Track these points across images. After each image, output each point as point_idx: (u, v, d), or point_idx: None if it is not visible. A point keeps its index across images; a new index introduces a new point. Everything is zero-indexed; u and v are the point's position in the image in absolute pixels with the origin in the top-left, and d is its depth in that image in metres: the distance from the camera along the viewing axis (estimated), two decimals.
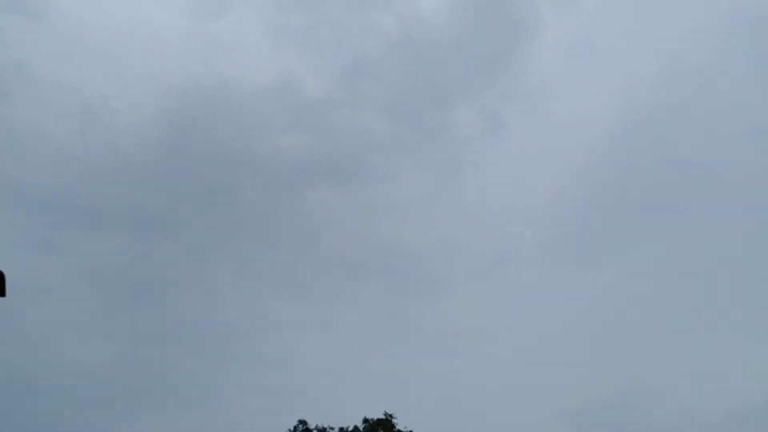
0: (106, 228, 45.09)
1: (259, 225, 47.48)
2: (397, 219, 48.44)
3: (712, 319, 40.97)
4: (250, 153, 47.51)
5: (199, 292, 44.27)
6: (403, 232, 46.96)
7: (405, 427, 28.09)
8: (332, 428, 28.48)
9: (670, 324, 40.24)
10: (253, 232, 47.14)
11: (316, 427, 28.61)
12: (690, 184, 44.71)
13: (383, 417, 28.23)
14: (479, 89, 50.90)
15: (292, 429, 28.63)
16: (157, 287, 44.32)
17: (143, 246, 44.49)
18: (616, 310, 42.41)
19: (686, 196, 43.49)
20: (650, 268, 43.51)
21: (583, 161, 47.64)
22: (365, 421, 29.21)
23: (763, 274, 39.79)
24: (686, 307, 40.51)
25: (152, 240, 45.14)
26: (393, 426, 28.15)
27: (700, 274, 42.01)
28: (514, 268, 46.31)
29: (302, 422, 29.04)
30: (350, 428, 28.48)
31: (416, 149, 50.22)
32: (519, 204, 48.29)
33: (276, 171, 48.04)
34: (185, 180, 46.83)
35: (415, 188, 49.35)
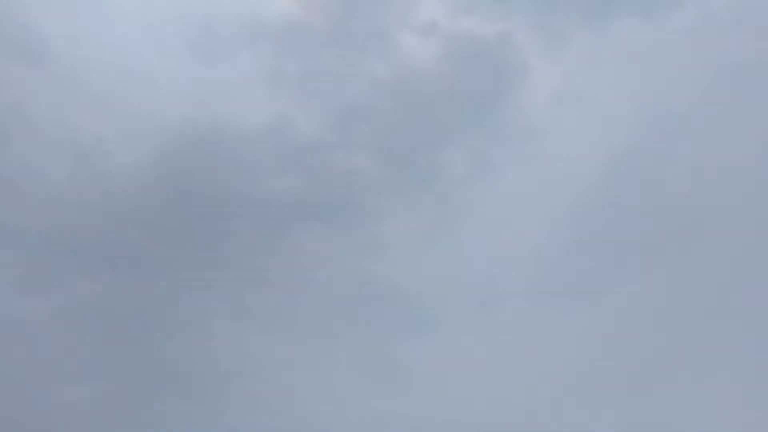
0: (94, 267, 45.39)
1: (251, 264, 47.92)
2: (388, 259, 49.05)
3: (707, 361, 41.31)
4: (244, 194, 48.27)
5: (189, 331, 44.37)
6: (394, 272, 47.50)
7: None
8: None
9: (664, 366, 40.43)
10: (244, 271, 47.55)
11: None
12: (678, 226, 45.48)
13: None
14: (468, 132, 52.24)
15: None
16: (145, 327, 44.38)
17: (132, 285, 44.73)
18: (605, 350, 42.74)
19: (675, 238, 44.19)
20: (638, 309, 44.07)
21: (571, 203, 48.62)
22: None
23: (751, 318, 40.29)
24: (680, 349, 40.77)
25: (141, 279, 45.40)
26: None
27: (688, 318, 42.47)
28: (503, 309, 46.73)
29: None
30: None
31: (407, 190, 51.23)
32: (508, 245, 48.96)
33: (268, 211, 48.77)
34: (177, 220, 47.41)
35: (406, 228, 50.12)
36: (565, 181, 51.43)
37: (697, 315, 41.26)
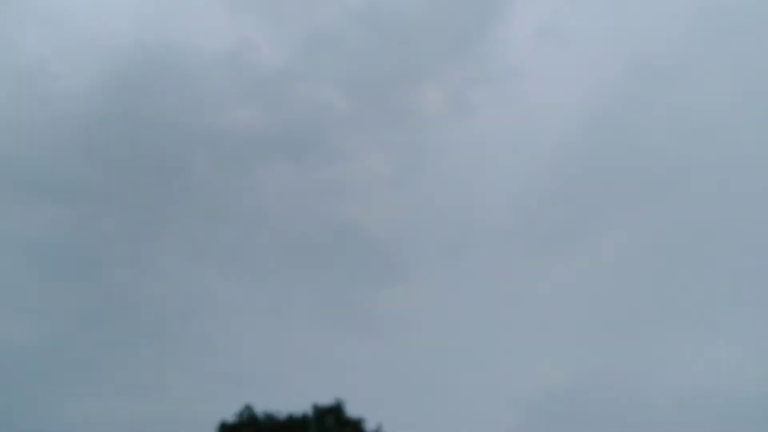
0: (41, 199, 42.08)
1: (208, 201, 45.11)
2: (355, 200, 46.74)
3: (673, 309, 40.81)
4: (201, 125, 45.00)
5: (142, 269, 41.77)
6: (360, 215, 45.24)
7: (355, 415, 26.72)
8: (279, 415, 26.88)
9: (631, 313, 39.87)
10: (201, 209, 44.76)
11: (264, 413, 26.98)
12: (656, 174, 44.37)
13: (333, 404, 26.75)
14: (446, 70, 49.41)
15: (238, 414, 26.93)
16: (96, 263, 41.61)
17: (82, 219, 41.66)
18: (577, 299, 41.75)
19: (653, 186, 43.14)
20: (613, 258, 43.00)
21: (551, 148, 46.77)
22: (315, 407, 27.61)
23: (724, 267, 39.69)
24: (648, 297, 40.21)
25: (92, 213, 42.34)
26: (343, 413, 26.70)
27: (662, 266, 41.73)
28: (475, 255, 45.12)
29: (248, 408, 27.33)
30: (299, 415, 26.89)
31: (377, 128, 48.51)
32: (483, 190, 47.21)
33: (228, 145, 45.64)
34: (128, 151, 44.06)
35: (374, 169, 47.66)
36: (545, 126, 49.60)
37: (672, 268, 40.53)
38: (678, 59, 48.39)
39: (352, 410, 26.75)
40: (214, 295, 39.48)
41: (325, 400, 26.91)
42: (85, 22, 44.67)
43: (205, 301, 40.02)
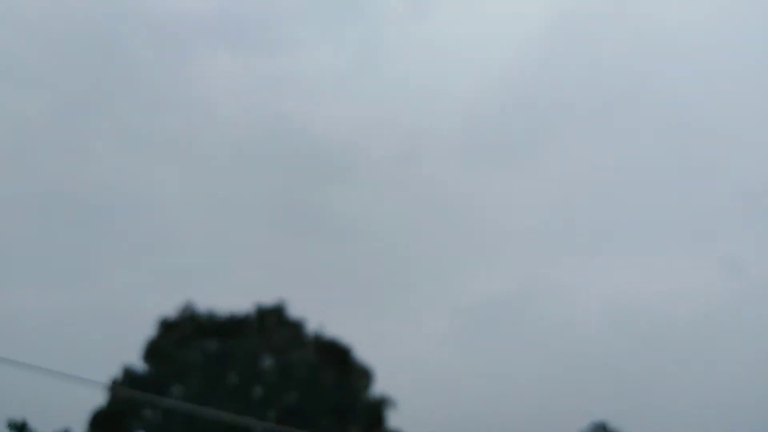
0: None
1: (146, 87, 42.26)
2: (303, 96, 44.67)
3: (614, 225, 41.51)
4: (139, 5, 41.42)
5: (72, 154, 39.24)
6: (309, 112, 43.35)
7: (297, 315, 26.47)
8: (220, 313, 26.35)
9: (574, 227, 40.36)
10: (138, 94, 41.97)
11: (205, 311, 26.41)
12: (616, 90, 43.92)
13: (275, 304, 26.34)
14: None
15: (178, 311, 26.26)
16: (19, 146, 38.80)
17: (6, 99, 38.42)
18: (523, 211, 41.91)
19: (612, 102, 42.74)
20: (561, 172, 43.00)
21: (510, 58, 45.37)
22: (257, 307, 27.19)
23: (671, 185, 40.33)
24: (591, 212, 40.65)
25: (17, 92, 39.09)
26: (285, 314, 26.40)
27: (609, 183, 42.08)
28: (426, 162, 44.31)
29: (189, 305, 26.67)
30: (241, 314, 26.44)
31: (329, 21, 45.79)
32: (438, 97, 45.85)
33: (169, 28, 42.34)
34: (56, 25, 40.36)
35: (324, 64, 45.35)
36: (505, 35, 47.95)
37: (623, 180, 41.01)
38: None
39: (294, 311, 26.39)
40: (153, 187, 37.60)
41: (267, 300, 26.41)
42: None
43: (143, 193, 38.13)
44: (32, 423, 20.30)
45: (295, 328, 26.04)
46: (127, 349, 22.90)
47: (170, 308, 25.37)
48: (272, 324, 26.32)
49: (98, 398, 20.94)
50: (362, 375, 23.89)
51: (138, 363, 23.07)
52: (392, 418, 23.53)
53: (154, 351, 23.29)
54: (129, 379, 21.01)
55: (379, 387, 23.83)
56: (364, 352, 24.57)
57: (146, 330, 23.29)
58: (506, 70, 44.97)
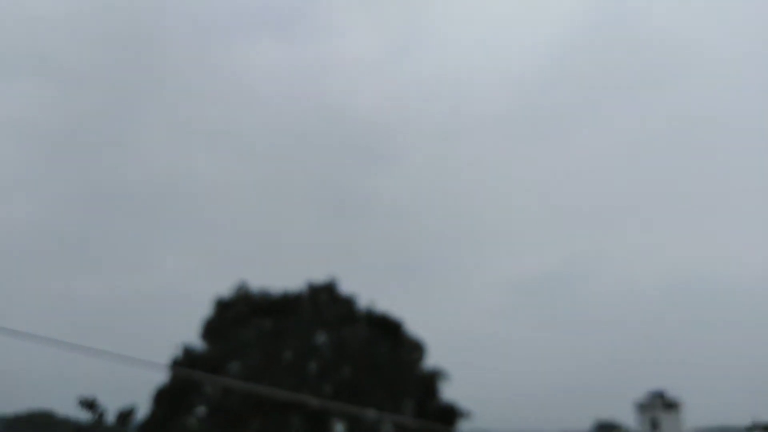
0: (20, 75, 40.02)
1: (193, 78, 43.08)
2: (345, 80, 44.81)
3: (664, 196, 40.56)
4: None
5: (126, 148, 40.51)
6: (350, 95, 43.48)
7: (348, 292, 26.74)
8: (274, 292, 26.84)
9: (623, 199, 39.61)
10: (186, 86, 42.80)
11: (259, 290, 26.92)
12: (661, 58, 42.58)
13: (327, 282, 26.67)
14: None
15: (233, 291, 26.85)
16: (80, 142, 40.26)
17: (61, 95, 39.79)
18: (571, 184, 41.30)
19: (656, 75, 41.53)
20: (608, 143, 42.14)
21: (554, 31, 44.39)
22: (309, 285, 27.56)
23: (721, 155, 39.09)
24: (641, 184, 39.75)
25: (71, 89, 40.43)
26: (336, 291, 26.70)
27: (659, 152, 41.03)
28: (468, 140, 44.04)
29: (243, 285, 27.25)
30: (293, 292, 26.87)
31: (370, 4, 45.57)
32: (479, 73, 45.34)
33: (210, 19, 42.91)
34: (107, 26, 41.45)
35: (366, 47, 45.24)
36: (549, 9, 46.95)
37: (671, 150, 39.89)
38: None
39: (345, 288, 26.74)
40: (202, 176, 38.51)
41: (319, 278, 26.82)
42: None
43: (194, 181, 39.10)
44: (101, 400, 21.25)
45: (347, 304, 26.44)
46: (186, 329, 23.71)
47: (225, 289, 26.09)
48: (324, 301, 26.79)
49: (161, 376, 21.74)
50: (414, 348, 24.09)
51: (197, 342, 23.83)
52: (445, 390, 23.71)
53: (211, 330, 23.99)
54: (188, 357, 21.69)
55: (432, 360, 24.00)
56: (416, 326, 24.78)
57: (203, 311, 24.03)
58: (550, 45, 44.08)
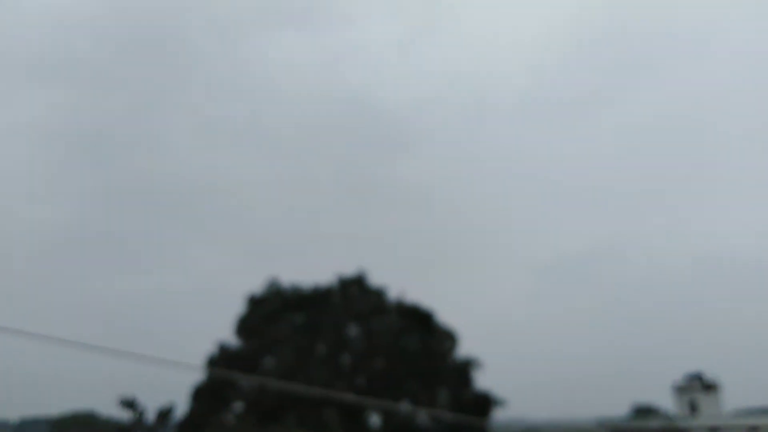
0: (46, 80, 40.71)
1: (214, 75, 43.40)
2: (366, 68, 44.71)
3: (688, 176, 39.93)
4: None
5: (153, 148, 41.02)
6: (372, 83, 43.39)
7: (378, 284, 26.82)
8: (304, 287, 27.02)
9: (646, 180, 39.02)
10: (208, 83, 43.16)
11: (290, 285, 27.13)
12: (677, 39, 41.70)
13: (356, 274, 26.76)
14: None
15: (264, 287, 27.10)
16: (107, 144, 40.90)
17: (84, 100, 40.39)
18: (595, 166, 40.76)
19: (674, 51, 40.68)
20: (631, 125, 41.50)
21: (574, 13, 43.68)
22: (339, 278, 27.69)
23: (742, 135, 38.29)
24: (663, 164, 39.13)
25: (93, 93, 41.02)
26: (366, 282, 26.78)
27: (681, 134, 40.29)
28: (491, 123, 43.71)
29: (274, 280, 27.48)
30: (324, 286, 27.02)
31: None
32: (499, 55, 44.85)
33: (232, 16, 43.10)
34: (126, 27, 41.93)
35: (385, 35, 45.08)
36: None
37: (689, 135, 39.10)
38: None
39: (374, 279, 26.83)
40: (230, 172, 38.87)
41: (349, 270, 26.93)
42: None
43: (219, 178, 39.51)
44: (141, 400, 21.71)
45: (377, 295, 26.53)
46: (221, 325, 24.02)
47: (257, 285, 26.36)
48: (355, 293, 26.92)
49: (198, 375, 22.10)
50: (446, 337, 24.09)
51: (231, 339, 24.14)
52: (479, 379, 23.67)
53: (245, 327, 24.28)
54: (224, 354, 21.97)
55: (465, 349, 23.98)
56: (447, 315, 24.74)
57: (237, 307, 24.32)
58: (570, 28, 43.38)
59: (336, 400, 22.74)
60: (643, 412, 41.72)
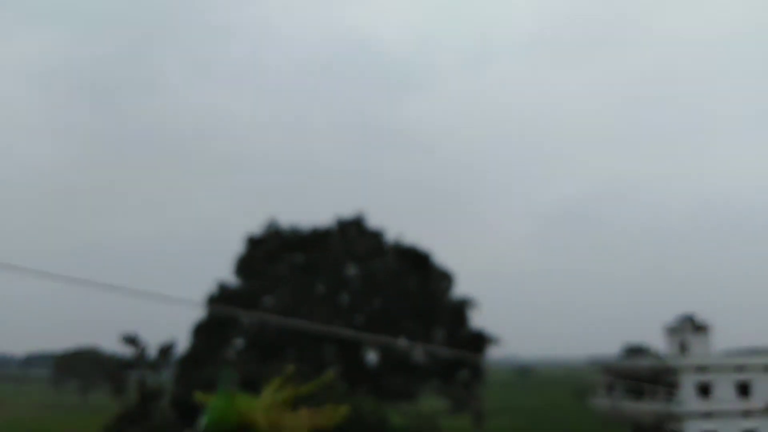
0: (39, 21, 39.91)
1: (212, 15, 42.50)
2: (369, 7, 43.77)
3: (686, 121, 39.68)
4: None
5: (150, 90, 40.58)
6: (374, 23, 42.59)
7: (376, 225, 27.01)
8: (303, 228, 27.20)
9: (647, 125, 38.82)
10: (203, 25, 42.31)
11: (289, 227, 27.30)
12: None
13: (355, 216, 26.93)
14: None
15: (264, 228, 27.24)
16: (103, 86, 40.42)
17: (79, 39, 39.70)
18: (599, 110, 40.47)
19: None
20: (634, 72, 40.93)
21: None
22: (337, 220, 27.86)
23: (746, 87, 37.82)
24: (666, 111, 38.86)
25: (88, 32, 40.27)
26: (365, 224, 26.97)
27: (683, 79, 39.80)
28: (497, 65, 43.12)
29: (272, 222, 27.63)
30: (323, 227, 27.20)
31: None
32: None
33: None
34: None
35: None
36: None
37: (695, 73, 38.59)
38: None
39: (373, 222, 27.05)
40: (227, 113, 38.60)
41: (347, 213, 27.08)
42: None
43: (218, 120, 39.27)
44: (143, 336, 22.14)
45: (376, 237, 26.81)
46: (220, 266, 24.30)
47: (256, 227, 26.54)
48: (353, 235, 27.18)
49: (198, 314, 22.51)
50: (443, 278, 24.46)
51: (231, 279, 24.49)
52: (475, 318, 24.18)
53: (244, 267, 24.59)
54: (224, 293, 22.33)
55: (462, 289, 24.38)
56: (444, 257, 25.03)
57: (236, 248, 24.54)
58: None
59: (335, 336, 23.27)
60: (634, 351, 42.64)
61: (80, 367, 58.24)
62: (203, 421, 1.27)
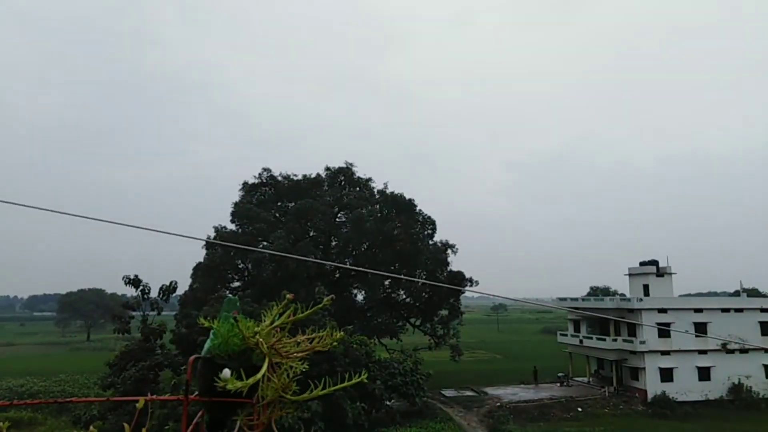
0: None
1: None
2: None
3: (664, 76, 40.88)
4: None
5: (143, 41, 41.29)
6: None
7: (364, 175, 28.45)
8: (296, 176, 28.51)
9: (624, 81, 40.05)
10: None
11: (281, 175, 28.56)
12: None
13: (344, 166, 28.28)
14: None
15: (258, 176, 28.49)
16: (97, 37, 41.07)
17: None
18: (576, 66, 41.64)
19: None
20: (609, 27, 41.91)
21: None
22: (327, 169, 29.32)
23: (719, 33, 38.85)
24: (640, 67, 40.01)
25: None
26: (353, 174, 28.35)
27: (654, 33, 40.78)
28: (481, 22, 44.00)
29: (266, 170, 28.93)
30: (313, 176, 28.55)
31: None
32: None
33: None
34: None
35: None
36: None
37: (666, 28, 39.54)
38: None
39: (361, 171, 28.62)
40: (220, 66, 39.58)
41: (336, 163, 28.55)
42: None
43: (212, 73, 40.28)
44: (144, 278, 23.54)
45: (363, 184, 28.54)
46: (217, 212, 25.83)
47: (251, 175, 28.01)
48: (342, 184, 28.87)
49: (198, 256, 24.08)
50: (426, 224, 26.26)
51: (228, 224, 26.16)
52: (454, 262, 26.11)
53: (240, 212, 26.22)
54: (221, 238, 23.95)
55: (442, 235, 26.16)
56: (426, 205, 26.72)
57: (232, 195, 26.08)
58: None
59: (325, 275, 24.99)
60: (600, 292, 44.67)
61: (85, 308, 59.97)
62: (208, 344, 1.36)
